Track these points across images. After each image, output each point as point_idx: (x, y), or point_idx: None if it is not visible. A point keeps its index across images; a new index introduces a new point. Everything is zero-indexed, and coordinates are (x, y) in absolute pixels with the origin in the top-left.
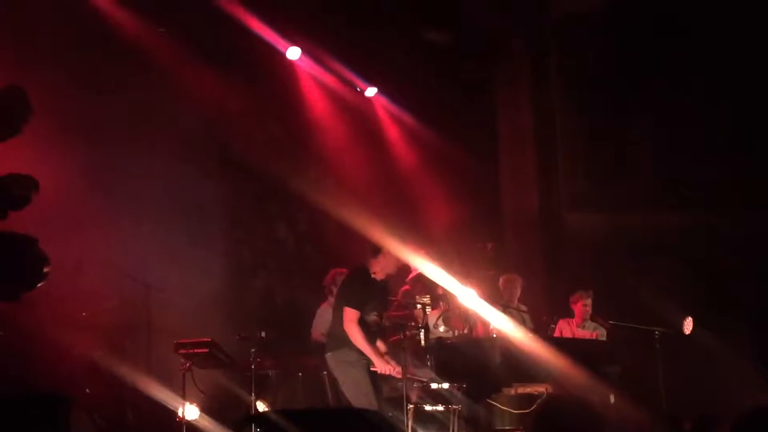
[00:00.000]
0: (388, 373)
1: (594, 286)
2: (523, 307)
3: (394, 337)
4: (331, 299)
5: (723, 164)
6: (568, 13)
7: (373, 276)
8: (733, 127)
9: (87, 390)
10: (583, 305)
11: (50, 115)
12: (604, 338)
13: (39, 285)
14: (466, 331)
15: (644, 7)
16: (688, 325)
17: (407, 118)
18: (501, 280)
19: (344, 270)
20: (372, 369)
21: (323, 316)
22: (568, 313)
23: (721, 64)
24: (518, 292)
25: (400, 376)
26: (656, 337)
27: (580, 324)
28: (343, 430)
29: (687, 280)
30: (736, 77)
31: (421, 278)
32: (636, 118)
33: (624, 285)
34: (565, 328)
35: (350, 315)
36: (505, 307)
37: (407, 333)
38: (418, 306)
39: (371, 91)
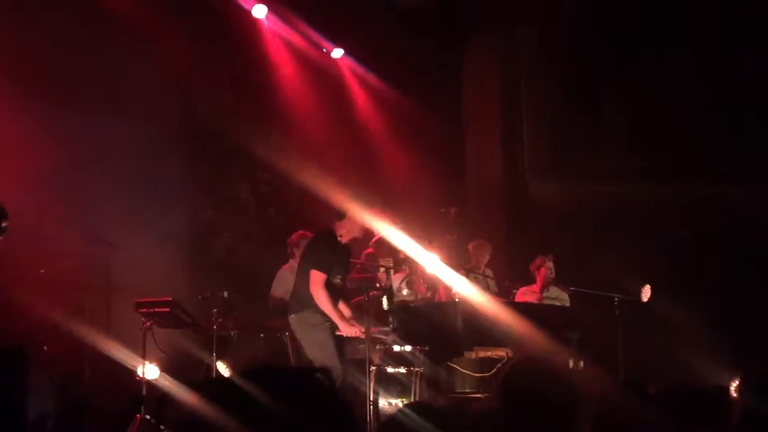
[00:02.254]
0: (353, 335)
1: (555, 254)
2: (489, 273)
3: (357, 299)
4: (293, 262)
5: (685, 137)
6: None
7: (337, 239)
8: (696, 102)
9: (45, 347)
10: (546, 269)
11: (13, 74)
12: (566, 304)
13: None
14: (428, 295)
15: None
16: (646, 292)
17: (374, 81)
18: (471, 244)
19: (310, 233)
20: (337, 333)
21: (283, 278)
22: (530, 281)
23: (690, 39)
24: (486, 257)
25: (362, 337)
26: (615, 303)
27: (542, 289)
28: (290, 389)
29: (646, 250)
30: (705, 55)
31: (384, 242)
32: (600, 93)
33: (585, 253)
34: (526, 295)
35: (317, 277)
36: (469, 272)
37: (370, 295)
38: (382, 269)
39: (338, 53)
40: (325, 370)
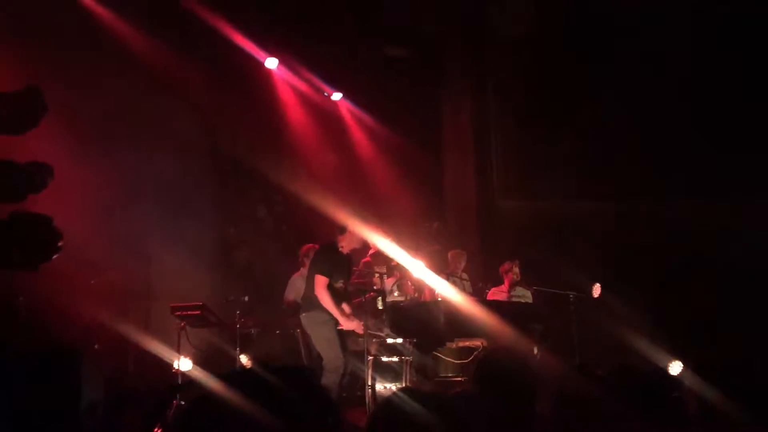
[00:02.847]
0: (352, 329)
1: (520, 260)
2: (465, 276)
3: (356, 300)
4: (303, 270)
5: (625, 163)
6: (506, 35)
7: (340, 250)
8: (632, 133)
9: (95, 346)
10: (512, 272)
11: (65, 115)
12: (530, 301)
13: (54, 257)
14: (416, 296)
15: (570, 32)
16: (596, 290)
17: (367, 118)
18: (450, 254)
19: (316, 245)
20: (339, 327)
21: (295, 284)
22: (499, 282)
23: (634, 80)
24: (463, 264)
25: (362, 332)
26: (571, 299)
27: (509, 289)
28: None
29: (595, 255)
30: (641, 94)
31: (379, 252)
32: (559, 126)
33: (545, 259)
34: (496, 294)
35: (320, 281)
36: (449, 276)
37: (367, 297)
38: (377, 275)
39: (337, 96)
40: (309, 369)
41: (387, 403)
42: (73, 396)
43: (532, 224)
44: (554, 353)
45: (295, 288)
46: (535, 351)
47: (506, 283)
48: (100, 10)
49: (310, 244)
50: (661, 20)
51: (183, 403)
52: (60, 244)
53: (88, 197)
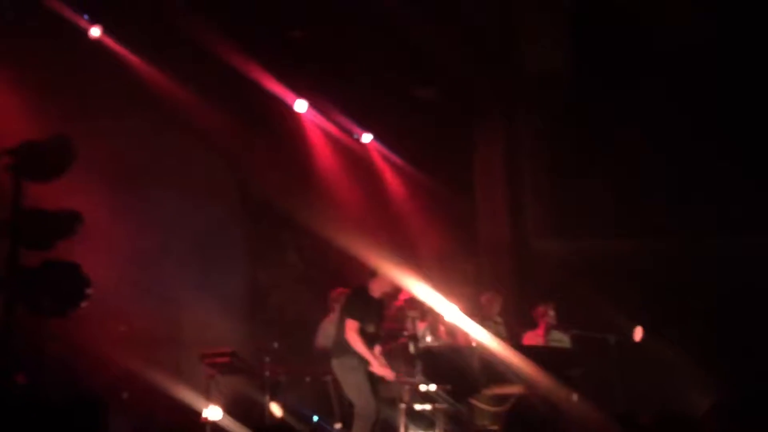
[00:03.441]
0: (383, 375)
1: (556, 302)
2: (499, 320)
3: (388, 345)
4: (332, 315)
5: (658, 201)
6: (536, 73)
7: (371, 294)
8: (669, 170)
9: (124, 394)
10: (547, 316)
11: (93, 162)
12: (567, 346)
13: (83, 304)
14: (449, 341)
15: (602, 66)
16: (638, 333)
17: (398, 160)
18: (483, 297)
19: (346, 290)
20: (370, 369)
21: (325, 329)
22: (534, 326)
23: (667, 117)
24: (497, 307)
25: (392, 379)
26: (611, 344)
27: (545, 333)
28: None
29: (636, 296)
30: (679, 130)
31: (412, 296)
32: (593, 163)
33: (582, 300)
34: (532, 338)
35: (351, 325)
36: (483, 320)
37: (399, 342)
38: (409, 319)
39: (367, 138)
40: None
41: None
42: None
43: (569, 264)
44: (594, 400)
45: (325, 334)
46: (574, 398)
47: (541, 327)
48: (128, 56)
49: (340, 289)
50: (693, 52)
51: None
52: (89, 291)
53: (118, 245)
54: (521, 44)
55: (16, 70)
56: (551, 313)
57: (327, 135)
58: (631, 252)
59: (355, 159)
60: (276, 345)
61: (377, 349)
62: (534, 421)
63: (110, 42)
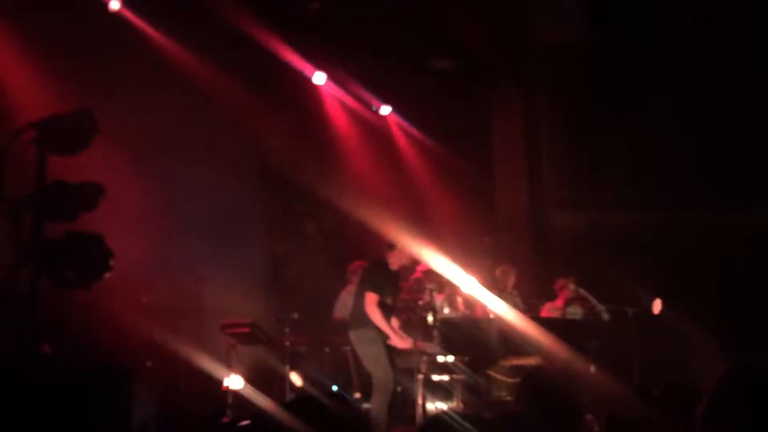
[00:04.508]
0: (401, 346)
1: (575, 274)
2: (515, 292)
3: (405, 316)
4: (351, 287)
5: (675, 172)
6: (554, 42)
7: (389, 266)
8: (686, 142)
9: (148, 363)
10: (567, 290)
11: (117, 135)
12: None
13: (106, 275)
14: (467, 312)
15: (620, 36)
16: (657, 306)
17: (416, 132)
18: (498, 270)
19: (364, 262)
20: (388, 343)
21: (343, 301)
22: (553, 297)
23: (685, 88)
24: (512, 280)
25: (410, 347)
26: (630, 316)
27: (565, 305)
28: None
29: (655, 269)
30: (697, 101)
31: (430, 268)
32: (610, 134)
33: (601, 272)
34: (551, 311)
35: (371, 298)
36: (501, 292)
37: (417, 313)
38: (427, 290)
39: (386, 110)
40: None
41: (433, 421)
42: (124, 416)
43: (587, 237)
44: (612, 372)
45: (343, 305)
46: (591, 369)
47: (561, 299)
48: (148, 29)
49: (359, 262)
50: (713, 23)
51: (233, 421)
52: (111, 263)
53: (141, 217)
54: (538, 15)
55: (39, 44)
56: (571, 286)
57: (345, 107)
58: (649, 224)
59: (374, 131)
60: (296, 316)
61: (394, 321)
62: (548, 392)
63: (130, 15)
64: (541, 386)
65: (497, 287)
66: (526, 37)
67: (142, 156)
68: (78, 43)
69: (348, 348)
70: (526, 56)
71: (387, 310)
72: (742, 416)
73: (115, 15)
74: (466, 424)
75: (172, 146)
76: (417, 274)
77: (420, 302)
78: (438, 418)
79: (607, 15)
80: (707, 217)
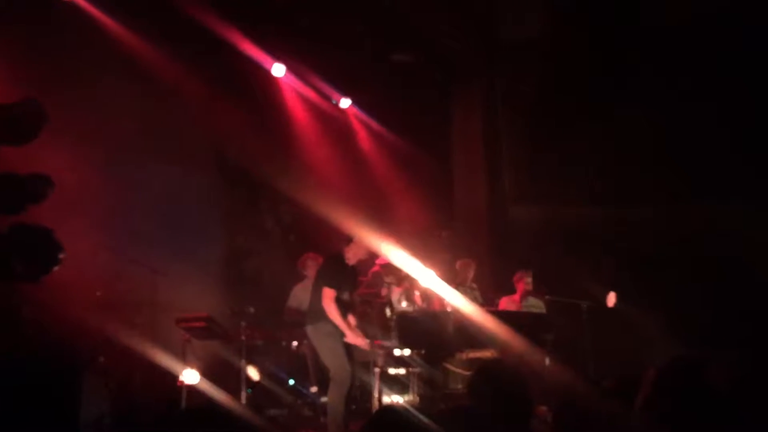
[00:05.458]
0: (357, 344)
1: (532, 268)
2: (475, 286)
3: (363, 310)
4: (308, 281)
5: (633, 168)
6: (514, 39)
7: (346, 261)
8: (644, 138)
9: (101, 358)
10: (524, 282)
11: (70, 126)
12: (542, 311)
13: (54, 269)
14: (424, 306)
15: (580, 34)
16: (611, 299)
17: (376, 125)
18: (458, 263)
19: (315, 254)
20: (344, 340)
21: (296, 294)
22: (510, 291)
23: (646, 83)
24: (472, 273)
25: (367, 348)
26: (584, 309)
27: (522, 299)
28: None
29: (610, 263)
30: (657, 96)
31: (389, 262)
32: (569, 130)
33: (557, 266)
34: (508, 304)
35: (328, 294)
36: (459, 285)
37: (375, 307)
38: (385, 285)
39: (345, 103)
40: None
41: (382, 413)
42: (72, 410)
43: (544, 231)
44: (566, 364)
45: (296, 298)
46: (547, 362)
47: (518, 292)
48: (104, 18)
49: (310, 253)
50: (675, 19)
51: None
52: (61, 256)
53: (96, 210)
54: (499, 10)
55: None
56: (528, 280)
57: (305, 100)
58: (605, 219)
59: (333, 124)
60: (252, 310)
61: (351, 317)
62: (500, 383)
63: (85, 4)
64: (494, 378)
65: (457, 280)
66: (487, 33)
67: (98, 149)
68: (31, 34)
69: (305, 342)
70: (486, 52)
71: (344, 306)
72: (674, 407)
73: (71, 4)
74: (417, 415)
75: (129, 139)
76: (376, 268)
77: (378, 296)
78: (386, 409)
79: (571, 11)
80: (663, 212)
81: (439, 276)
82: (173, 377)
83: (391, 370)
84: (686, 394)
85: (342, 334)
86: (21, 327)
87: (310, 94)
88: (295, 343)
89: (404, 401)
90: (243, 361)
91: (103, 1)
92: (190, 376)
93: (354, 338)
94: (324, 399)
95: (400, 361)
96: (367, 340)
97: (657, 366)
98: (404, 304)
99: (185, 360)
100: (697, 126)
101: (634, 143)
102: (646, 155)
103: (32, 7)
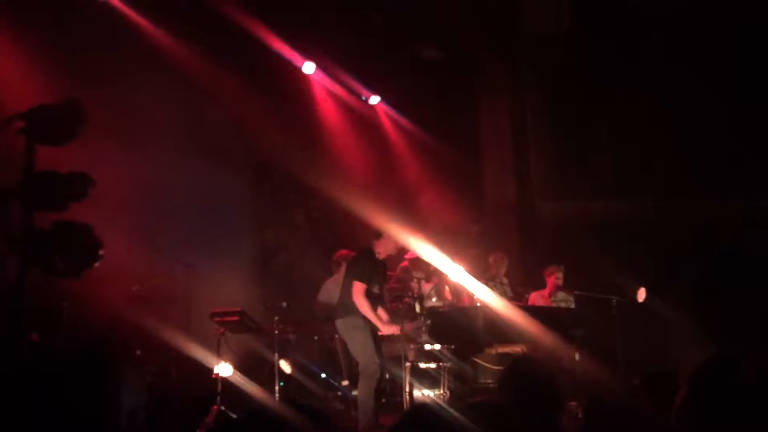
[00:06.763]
0: (389, 333)
1: (561, 263)
2: (506, 281)
3: (393, 305)
4: (336, 276)
5: (663, 161)
6: (540, 34)
7: (376, 255)
8: (673, 131)
9: (137, 351)
10: (555, 277)
11: (107, 125)
12: (572, 306)
13: (95, 265)
14: (454, 301)
15: (605, 26)
16: (641, 294)
17: (405, 122)
18: (491, 257)
19: (348, 251)
20: (378, 333)
21: (327, 288)
22: (540, 286)
23: (672, 76)
24: (504, 268)
25: (399, 333)
26: (614, 304)
27: (551, 294)
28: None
29: (641, 257)
30: (684, 89)
31: (418, 257)
32: (596, 123)
33: (586, 261)
34: (538, 299)
35: (358, 288)
36: (488, 280)
37: (404, 302)
38: (415, 279)
39: (375, 99)
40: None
41: (416, 409)
42: (113, 403)
43: (574, 225)
44: (596, 360)
45: (327, 292)
46: (576, 357)
47: (549, 287)
48: (135, 17)
49: (343, 251)
50: (697, 10)
51: (223, 408)
52: (101, 252)
53: (130, 206)
54: (525, 5)
55: (28, 35)
56: (559, 275)
57: (334, 97)
58: (634, 213)
59: (363, 121)
60: (284, 304)
61: (381, 311)
62: (531, 379)
63: (119, 4)
64: (525, 373)
65: (488, 274)
66: (513, 27)
67: (131, 146)
68: (67, 34)
69: (336, 336)
70: (513, 46)
71: (374, 299)
72: (716, 404)
73: (105, 5)
74: (449, 410)
75: (161, 136)
76: (404, 263)
77: (408, 292)
78: (420, 406)
79: (594, 4)
80: (693, 206)
81: (467, 271)
82: (208, 370)
83: (422, 365)
84: (723, 392)
85: (372, 328)
86: (61, 321)
87: (339, 91)
88: (336, 336)
89: (434, 395)
90: (276, 355)
91: (137, 1)
92: (224, 369)
93: (386, 328)
94: (355, 393)
95: (430, 356)
96: (398, 327)
97: (692, 364)
98: (434, 300)
99: (219, 353)
100: (724, 117)
101: (664, 134)
102: (678, 147)
103: (69, 8)
